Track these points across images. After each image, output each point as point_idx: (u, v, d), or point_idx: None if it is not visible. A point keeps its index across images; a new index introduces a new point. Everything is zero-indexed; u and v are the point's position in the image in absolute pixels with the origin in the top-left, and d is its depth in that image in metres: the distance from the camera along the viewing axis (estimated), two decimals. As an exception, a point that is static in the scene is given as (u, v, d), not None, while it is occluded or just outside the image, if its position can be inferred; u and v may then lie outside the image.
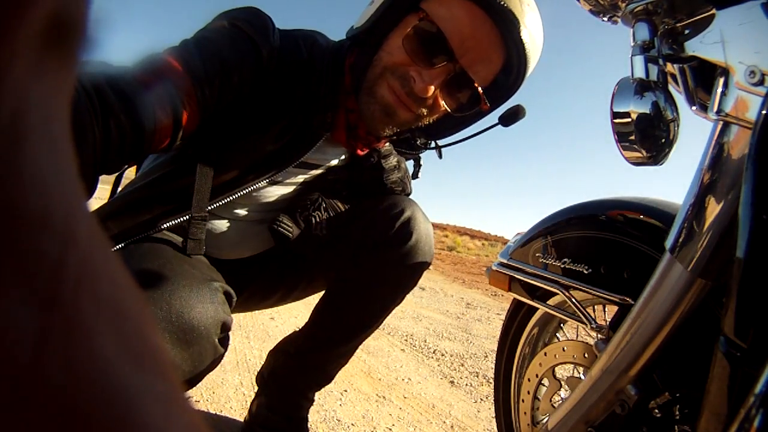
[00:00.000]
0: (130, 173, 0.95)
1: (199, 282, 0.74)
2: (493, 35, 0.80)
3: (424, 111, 0.85)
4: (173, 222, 0.84)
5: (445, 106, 0.86)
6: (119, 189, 0.95)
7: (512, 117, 0.94)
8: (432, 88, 0.81)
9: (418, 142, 1.02)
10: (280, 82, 0.84)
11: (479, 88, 0.83)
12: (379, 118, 0.85)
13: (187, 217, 0.84)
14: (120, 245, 0.81)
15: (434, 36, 0.79)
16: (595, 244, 0.78)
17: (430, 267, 1.09)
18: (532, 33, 0.81)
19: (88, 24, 0.12)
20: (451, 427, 1.50)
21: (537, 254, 0.88)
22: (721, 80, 0.52)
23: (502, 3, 0.76)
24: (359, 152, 0.99)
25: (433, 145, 1.03)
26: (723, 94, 0.51)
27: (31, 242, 0.10)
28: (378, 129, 0.88)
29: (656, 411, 0.66)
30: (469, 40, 0.79)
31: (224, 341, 0.79)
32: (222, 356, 0.79)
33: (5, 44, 0.10)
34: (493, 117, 0.95)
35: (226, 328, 0.77)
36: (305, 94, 0.86)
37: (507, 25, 0.78)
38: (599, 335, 0.74)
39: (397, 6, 0.82)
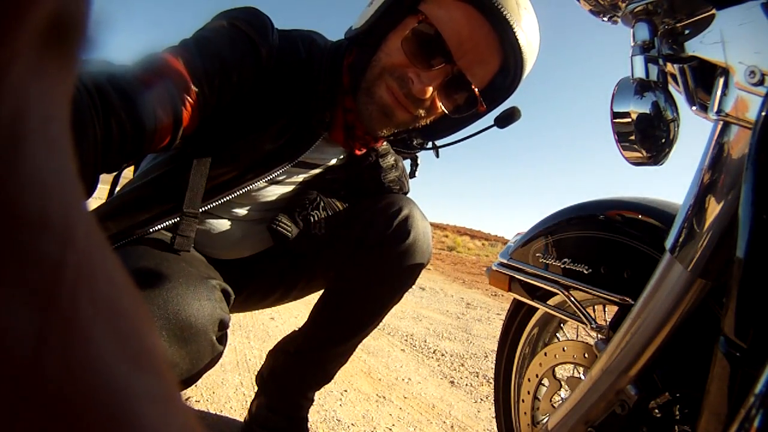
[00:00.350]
0: (128, 173, 0.95)
1: (196, 280, 0.74)
2: (490, 38, 0.81)
3: (422, 112, 0.86)
4: (171, 221, 0.84)
5: (443, 107, 0.86)
6: (117, 189, 0.95)
7: (508, 119, 0.96)
8: (430, 89, 0.81)
9: (414, 143, 1.02)
10: (279, 82, 0.84)
11: (476, 90, 0.84)
12: (377, 118, 0.86)
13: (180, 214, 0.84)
14: (118, 245, 0.81)
15: (433, 38, 0.80)
16: (595, 244, 0.78)
17: (430, 267, 1.09)
18: (528, 35, 0.81)
19: (88, 24, 0.12)
20: (451, 427, 1.50)
21: (537, 254, 0.88)
22: (721, 80, 0.52)
23: (499, 6, 0.77)
24: (357, 152, 0.99)
25: (429, 145, 1.04)
26: (723, 94, 0.51)
27: (30, 243, 0.10)
28: (376, 129, 0.88)
29: (656, 411, 0.66)
30: (466, 43, 0.80)
31: (222, 339, 0.79)
32: (220, 354, 0.79)
33: (6, 44, 0.10)
34: (489, 118, 0.96)
35: (223, 325, 0.77)
36: (304, 94, 0.87)
37: (504, 28, 0.79)
38: (599, 335, 0.74)
39: (396, 7, 0.83)
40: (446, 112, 0.87)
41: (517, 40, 0.80)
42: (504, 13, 0.78)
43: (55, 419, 0.09)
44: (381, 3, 0.84)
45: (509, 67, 0.85)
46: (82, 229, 0.11)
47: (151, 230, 0.84)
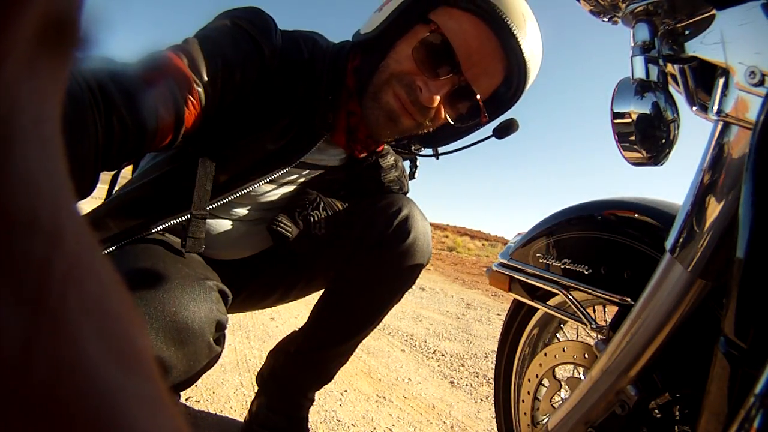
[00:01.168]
0: (126, 172, 0.95)
1: (193, 281, 0.74)
2: (497, 51, 0.82)
3: (427, 120, 0.87)
4: (174, 221, 0.84)
5: (447, 116, 0.88)
6: (115, 188, 0.95)
7: (506, 130, 0.98)
8: (437, 98, 0.83)
9: (412, 148, 1.04)
10: (281, 82, 0.84)
11: (480, 101, 0.85)
12: (383, 123, 0.86)
13: (188, 215, 0.84)
14: (119, 244, 0.81)
15: (443, 48, 0.81)
16: (596, 244, 0.78)
17: (430, 267, 1.10)
18: (533, 49, 0.83)
19: (82, 25, 0.12)
20: (451, 427, 1.50)
21: (537, 254, 0.88)
22: (722, 81, 0.51)
23: (507, 20, 0.79)
24: (358, 155, 0.99)
25: (428, 151, 1.06)
26: (723, 94, 0.51)
27: (19, 243, 0.09)
28: (380, 134, 0.89)
29: (656, 411, 0.66)
30: (475, 55, 0.81)
31: (220, 340, 0.78)
32: (218, 356, 0.79)
33: None
34: (488, 128, 0.98)
35: (221, 327, 0.76)
36: (306, 94, 0.87)
37: (510, 42, 0.81)
38: (599, 336, 0.74)
39: (408, 16, 0.83)
40: (450, 121, 0.88)
41: (522, 54, 0.82)
42: (511, 27, 0.79)
43: (43, 420, 0.09)
44: (392, 10, 0.84)
45: (513, 79, 0.87)
46: (72, 231, 0.11)
47: (152, 231, 0.84)
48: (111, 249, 0.80)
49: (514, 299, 0.98)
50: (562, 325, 0.96)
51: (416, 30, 0.83)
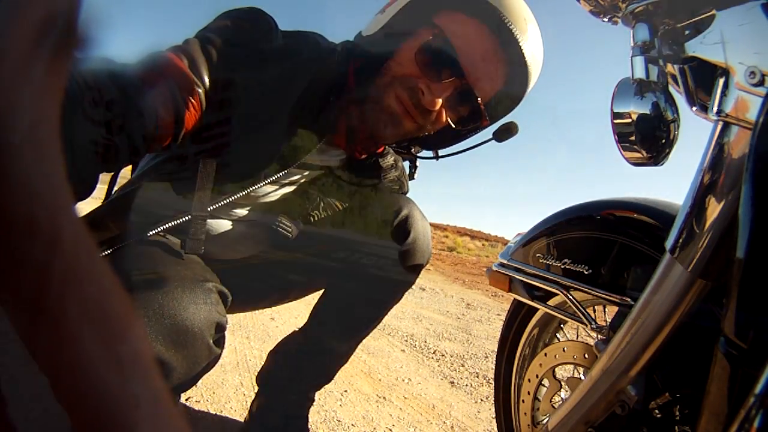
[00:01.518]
0: (125, 172, 0.95)
1: (192, 283, 0.74)
2: (499, 54, 0.82)
3: (428, 123, 0.87)
4: (175, 222, 0.84)
5: (448, 119, 0.88)
6: (114, 188, 0.95)
7: (505, 133, 0.98)
8: (439, 101, 0.83)
9: (412, 150, 1.04)
10: (282, 83, 0.84)
11: (482, 105, 0.85)
12: (384, 125, 0.86)
13: (189, 216, 0.83)
14: (120, 246, 0.81)
15: (445, 52, 0.81)
16: (596, 244, 0.78)
17: (430, 267, 1.10)
18: (534, 53, 0.83)
19: (80, 28, 0.12)
20: (451, 427, 1.50)
21: (537, 255, 0.88)
22: (722, 81, 0.51)
23: (509, 24, 0.79)
24: (357, 156, 0.99)
25: (428, 153, 1.05)
26: (723, 94, 0.51)
27: (18, 247, 0.09)
28: (381, 136, 0.89)
29: (656, 411, 0.66)
30: (477, 58, 0.81)
31: (219, 342, 0.78)
32: (218, 357, 0.79)
33: None
34: (488, 131, 0.98)
35: (220, 328, 0.76)
36: (307, 96, 0.86)
37: (512, 46, 0.81)
38: (599, 336, 0.74)
39: (411, 19, 0.83)
40: (451, 124, 0.88)
41: (524, 58, 0.82)
42: (513, 31, 0.79)
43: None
44: (395, 12, 0.84)
45: (515, 82, 0.87)
46: (70, 233, 0.11)
47: (154, 231, 0.84)
48: (110, 251, 0.79)
49: (514, 299, 0.98)
50: (562, 325, 0.96)
51: (419, 33, 0.83)
